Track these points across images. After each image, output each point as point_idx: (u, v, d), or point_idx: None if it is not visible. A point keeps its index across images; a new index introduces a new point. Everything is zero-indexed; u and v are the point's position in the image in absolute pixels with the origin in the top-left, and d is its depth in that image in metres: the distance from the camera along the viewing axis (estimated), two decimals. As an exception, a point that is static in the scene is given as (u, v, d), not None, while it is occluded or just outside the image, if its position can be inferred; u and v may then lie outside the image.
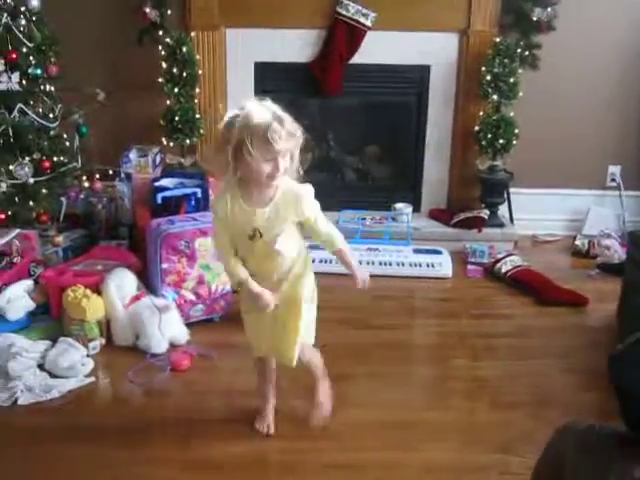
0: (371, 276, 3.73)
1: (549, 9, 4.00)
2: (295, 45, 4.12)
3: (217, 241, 2.32)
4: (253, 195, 2.21)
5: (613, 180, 4.46)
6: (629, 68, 4.27)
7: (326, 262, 3.81)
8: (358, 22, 3.99)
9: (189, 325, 3.12)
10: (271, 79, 4.21)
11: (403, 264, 3.83)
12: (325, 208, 4.25)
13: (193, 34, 4.02)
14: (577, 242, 4.18)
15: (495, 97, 3.98)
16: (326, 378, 2.54)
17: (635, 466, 1.14)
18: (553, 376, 2.90)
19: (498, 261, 3.83)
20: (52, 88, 3.53)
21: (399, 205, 4.26)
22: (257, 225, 2.21)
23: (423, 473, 2.30)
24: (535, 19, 4.00)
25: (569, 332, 3.26)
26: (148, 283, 3.17)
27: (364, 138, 4.54)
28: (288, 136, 2.15)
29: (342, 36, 4.01)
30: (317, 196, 4.39)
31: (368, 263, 3.81)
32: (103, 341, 3.00)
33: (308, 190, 2.37)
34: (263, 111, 2.12)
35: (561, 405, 2.66)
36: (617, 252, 3.91)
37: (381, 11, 3.99)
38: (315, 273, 3.72)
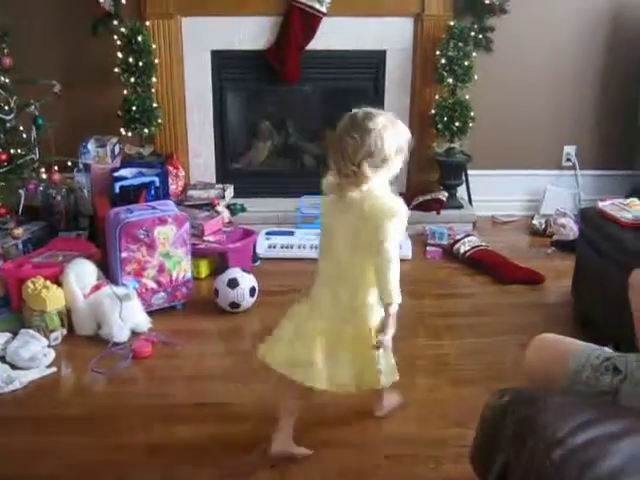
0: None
1: (502, -8, 4.07)
2: (251, 33, 4.13)
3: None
4: None
5: (569, 160, 4.55)
6: (583, 50, 4.36)
7: (287, 248, 3.86)
8: (313, 8, 4.02)
9: (151, 313, 3.13)
10: (228, 67, 4.23)
11: (363, 247, 3.86)
12: (285, 194, 4.35)
13: (148, 23, 4.01)
14: (534, 221, 4.27)
15: (450, 80, 4.03)
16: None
17: (558, 425, 1.19)
18: (511, 352, 2.96)
19: (457, 242, 3.89)
20: (7, 80, 3.50)
21: (360, 190, 4.29)
22: None
23: (383, 448, 2.35)
24: (488, 2, 4.06)
25: (526, 309, 3.33)
26: (109, 272, 3.17)
27: (323, 124, 4.56)
28: None
29: (298, 23, 4.03)
30: (277, 182, 4.46)
31: (329, 247, 3.84)
32: (64, 331, 3.00)
33: None
34: None
35: (516, 379, 2.71)
36: (572, 230, 4.00)
37: (336, -3, 4.02)
38: (275, 259, 3.80)
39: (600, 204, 3.05)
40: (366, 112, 2.11)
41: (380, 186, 2.14)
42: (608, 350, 1.83)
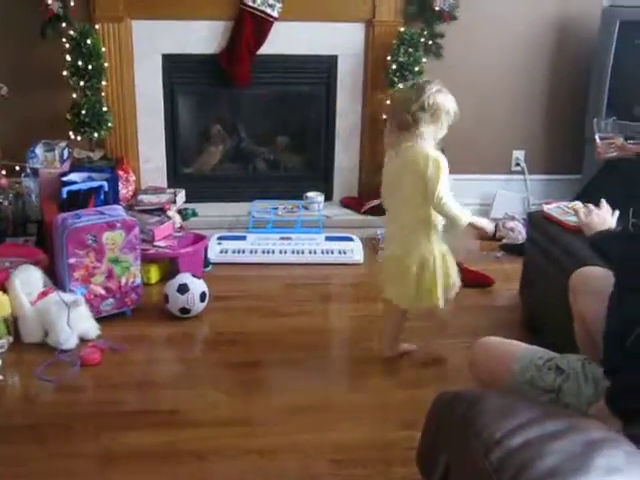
0: (284, 265, 3.83)
1: (451, -1, 4.12)
2: (203, 37, 4.11)
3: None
4: None
5: (518, 165, 4.62)
6: (531, 56, 4.44)
7: (239, 252, 3.85)
8: (264, 13, 4.01)
9: (100, 319, 3.09)
10: (180, 71, 4.20)
11: (315, 252, 3.88)
12: (237, 198, 4.35)
13: (98, 26, 3.96)
14: (484, 225, 4.31)
15: (401, 86, 4.04)
16: None
17: (496, 426, 1.21)
18: (461, 354, 2.99)
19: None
20: (-50, 83, 3.44)
21: (311, 194, 4.31)
22: None
23: (331, 453, 2.35)
24: (437, 9, 4.11)
25: (476, 312, 3.37)
26: (56, 279, 3.13)
27: (275, 129, 4.57)
28: None
29: (249, 27, 4.03)
30: (229, 187, 4.46)
31: (281, 252, 3.85)
32: (11, 339, 2.95)
33: None
34: None
35: (467, 381, 2.75)
36: (521, 233, 4.06)
37: (287, 2, 4.02)
38: (227, 263, 3.80)
39: (546, 207, 3.10)
40: (424, 79, 2.71)
41: (429, 143, 2.61)
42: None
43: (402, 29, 4.06)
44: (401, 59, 4.02)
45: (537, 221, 3.12)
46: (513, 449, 1.18)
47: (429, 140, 2.61)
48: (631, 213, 1.75)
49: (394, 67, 4.05)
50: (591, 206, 2.80)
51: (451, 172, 4.54)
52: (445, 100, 2.59)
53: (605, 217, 2.72)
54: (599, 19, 4.10)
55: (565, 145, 4.57)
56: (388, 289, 2.84)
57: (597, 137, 3.08)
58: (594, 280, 2.21)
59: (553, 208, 3.06)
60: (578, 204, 2.92)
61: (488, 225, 2.81)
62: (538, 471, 1.14)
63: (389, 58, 4.07)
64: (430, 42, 4.17)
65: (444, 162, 2.61)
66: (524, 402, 1.43)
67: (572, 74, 4.46)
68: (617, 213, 2.73)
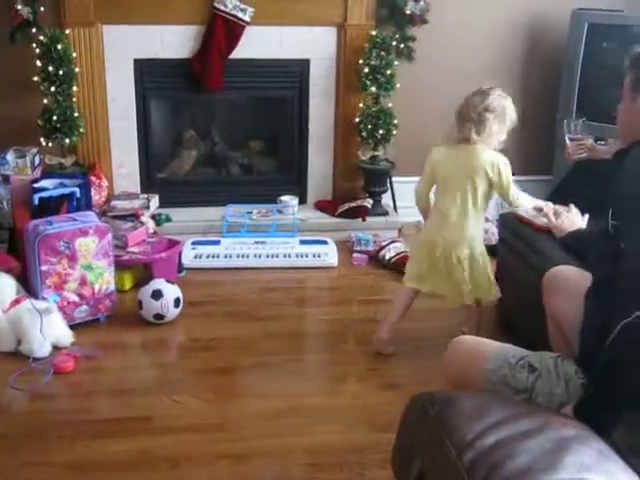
0: (258, 269, 3.83)
1: (422, 2, 4.16)
2: (175, 41, 4.10)
3: None
4: None
5: (490, 166, 4.64)
6: (502, 58, 4.48)
7: (213, 257, 3.84)
8: (236, 17, 4.01)
9: (74, 327, 3.08)
10: (152, 76, 4.18)
11: (290, 255, 3.88)
12: (211, 203, 4.33)
13: (68, 31, 3.93)
14: (458, 227, 4.34)
15: (373, 89, 4.08)
16: None
17: (468, 427, 1.22)
18: (435, 356, 3.00)
19: (382, 248, 3.94)
20: None
21: (285, 198, 4.31)
22: None
23: (307, 457, 2.35)
24: (408, 12, 4.13)
25: (451, 313, 3.38)
26: (29, 286, 3.10)
27: (248, 133, 4.57)
28: None
29: (221, 31, 4.02)
30: (202, 191, 4.45)
31: (255, 256, 3.85)
32: (-17, 348, 2.92)
33: None
34: None
35: (442, 382, 2.76)
36: (494, 235, 4.07)
37: (259, 6, 4.01)
38: (202, 268, 3.79)
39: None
40: (490, 86, 2.82)
41: (492, 144, 2.79)
42: None
43: (374, 32, 4.08)
44: (373, 62, 4.04)
45: (508, 222, 3.14)
46: (485, 449, 1.19)
47: (493, 142, 2.79)
48: (610, 214, 1.77)
49: (366, 70, 4.06)
50: (560, 208, 2.85)
51: (420, 175, 4.61)
52: (508, 105, 2.79)
53: (574, 219, 2.77)
54: (568, 22, 4.15)
55: (536, 146, 4.61)
56: (429, 278, 2.95)
57: (567, 138, 3.11)
58: (566, 279, 2.24)
59: (524, 209, 3.08)
60: (549, 205, 2.96)
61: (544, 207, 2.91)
62: (510, 470, 1.15)
63: (361, 61, 4.09)
64: (402, 45, 4.19)
65: (508, 163, 2.82)
66: (496, 402, 1.44)
67: (542, 76, 4.50)
68: (587, 217, 2.77)
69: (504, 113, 2.77)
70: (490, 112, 2.74)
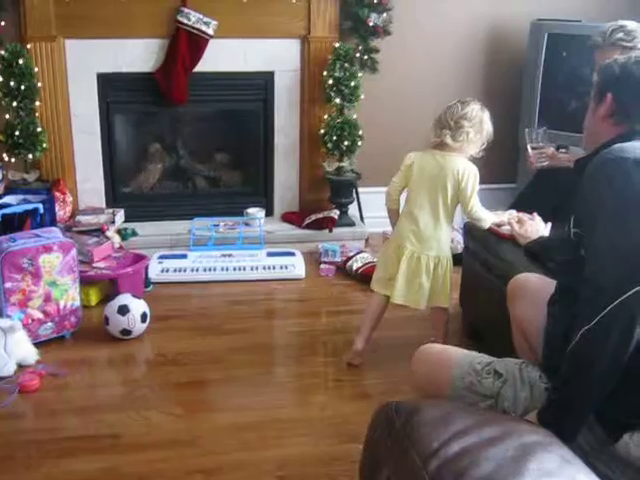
0: (226, 282, 3.81)
1: (384, 14, 4.18)
2: (138, 55, 4.09)
3: None
4: None
5: (455, 174, 4.69)
6: (464, 68, 4.54)
7: (180, 271, 3.83)
8: (200, 30, 4.01)
9: (39, 344, 3.04)
10: (116, 90, 4.16)
11: (257, 268, 3.88)
12: (177, 217, 4.32)
13: (30, 46, 3.90)
14: (424, 236, 4.37)
15: (338, 100, 4.11)
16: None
17: (433, 436, 1.23)
18: (404, 365, 3.01)
19: (350, 259, 3.95)
20: None
21: (251, 210, 4.31)
22: None
23: (277, 469, 2.34)
24: (371, 24, 4.16)
25: (418, 322, 3.39)
26: (-8, 304, 3.06)
27: (213, 146, 4.57)
28: None
29: (184, 45, 4.02)
30: (168, 205, 4.43)
31: (222, 269, 3.84)
32: (-55, 368, 2.87)
33: None
34: None
35: (410, 392, 2.77)
36: (460, 243, 4.11)
37: (222, 19, 4.02)
38: (169, 282, 3.77)
39: (481, 217, 3.16)
40: (471, 98, 2.90)
41: (467, 153, 2.86)
42: None
43: (337, 45, 4.11)
44: (337, 74, 4.07)
45: (473, 230, 3.17)
46: (450, 458, 1.20)
47: (467, 150, 2.85)
48: (572, 222, 1.80)
49: (330, 82, 4.08)
50: (524, 217, 2.89)
51: (386, 185, 4.65)
52: (486, 118, 2.85)
53: (537, 227, 2.81)
54: (527, 32, 4.21)
55: (500, 155, 4.64)
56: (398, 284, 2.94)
57: (529, 147, 3.16)
58: (530, 286, 2.27)
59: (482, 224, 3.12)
60: (512, 213, 3.00)
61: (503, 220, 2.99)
62: (474, 478, 1.15)
63: (325, 73, 4.11)
64: (365, 57, 4.22)
65: (478, 175, 2.88)
66: (461, 410, 1.45)
67: (504, 86, 4.57)
68: (549, 224, 2.82)
69: (481, 124, 2.83)
70: (467, 120, 2.79)
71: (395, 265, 2.94)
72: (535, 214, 2.90)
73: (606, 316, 1.53)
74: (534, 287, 2.25)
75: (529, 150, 3.15)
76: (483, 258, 3.03)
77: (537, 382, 1.83)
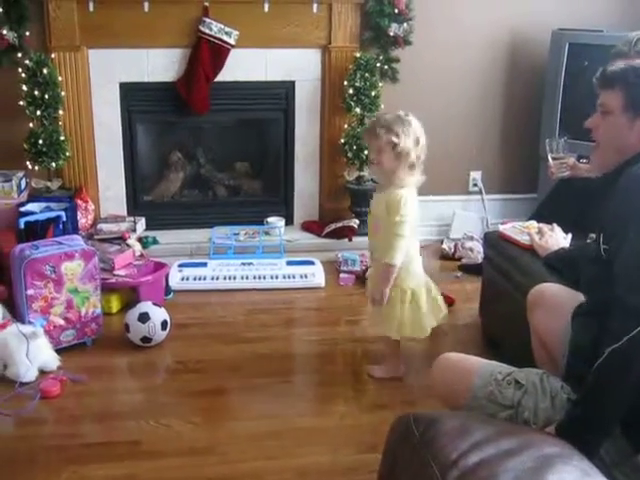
0: (245, 290, 3.82)
1: (405, 25, 4.18)
2: (161, 65, 4.12)
3: None
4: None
5: (475, 185, 4.69)
6: (485, 78, 4.53)
7: (200, 279, 3.84)
8: (221, 40, 4.04)
9: (60, 350, 3.06)
10: (138, 99, 4.20)
11: (277, 277, 3.89)
12: (197, 225, 4.34)
13: (54, 55, 3.95)
14: (444, 245, 4.37)
15: (358, 110, 4.11)
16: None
17: (452, 446, 1.22)
18: (423, 375, 3.01)
19: (369, 268, 3.94)
20: None
21: (271, 219, 4.32)
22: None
23: (295, 478, 2.35)
24: (392, 34, 4.17)
25: (437, 332, 3.36)
26: (15, 310, 3.09)
27: (234, 154, 4.59)
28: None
29: (206, 55, 4.05)
30: (189, 213, 4.45)
31: (242, 278, 3.85)
32: (-32, 373, 2.91)
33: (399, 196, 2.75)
34: None
35: (430, 402, 2.77)
36: (480, 253, 4.11)
37: (244, 29, 4.05)
38: (189, 291, 3.78)
39: (501, 227, 3.16)
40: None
41: (399, 179, 2.77)
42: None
43: (358, 54, 4.12)
44: (358, 84, 4.08)
45: (493, 241, 3.17)
46: (469, 469, 1.19)
47: (398, 176, 2.77)
48: (602, 238, 1.78)
49: (351, 92, 4.10)
50: (544, 228, 2.88)
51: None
52: (407, 139, 2.78)
53: (557, 238, 2.80)
54: (549, 42, 4.20)
55: (520, 165, 4.66)
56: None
57: (549, 157, 3.14)
58: (551, 296, 2.26)
59: (508, 228, 3.11)
60: (532, 224, 2.99)
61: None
62: (493, 489, 1.16)
63: (346, 83, 4.12)
64: (386, 67, 4.23)
65: (409, 201, 2.75)
66: (480, 421, 1.44)
67: (525, 95, 4.56)
68: (570, 236, 2.80)
69: (404, 150, 2.80)
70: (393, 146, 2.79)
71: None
72: (555, 225, 2.88)
73: (635, 337, 1.52)
74: (554, 297, 2.24)
75: (550, 160, 3.14)
76: (503, 268, 3.02)
77: (559, 392, 1.82)
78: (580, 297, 2.02)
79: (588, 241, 2.66)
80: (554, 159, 3.14)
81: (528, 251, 2.88)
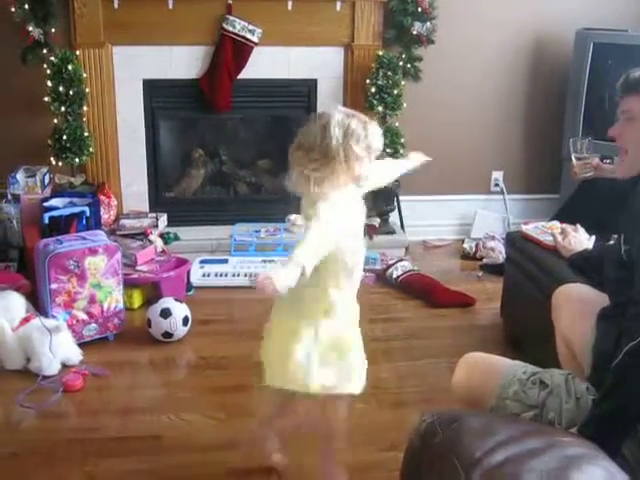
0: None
1: (428, 23, 4.17)
2: (183, 62, 4.14)
3: None
4: None
5: (497, 185, 4.67)
6: (508, 77, 4.51)
7: (221, 276, 3.86)
8: (245, 38, 4.05)
9: (83, 345, 3.09)
10: (161, 96, 4.22)
11: (297, 274, 3.88)
12: (219, 222, 4.35)
13: (79, 52, 3.98)
14: (465, 245, 4.36)
15: (380, 108, 4.11)
16: None
17: (476, 445, 1.22)
18: (444, 374, 3.00)
19: (390, 267, 3.94)
20: None
21: (293, 216, 4.32)
22: None
23: (317, 475, 2.35)
24: (415, 33, 4.16)
25: (458, 331, 3.39)
26: (39, 305, 3.12)
27: (256, 152, 4.60)
28: None
29: (229, 52, 4.06)
30: (211, 210, 4.45)
31: (263, 275, 3.85)
32: (-8, 366, 2.94)
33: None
34: None
35: (450, 401, 2.76)
36: (501, 253, 4.09)
37: (267, 27, 4.06)
38: (210, 287, 3.79)
39: (523, 227, 3.15)
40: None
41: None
42: None
43: (381, 53, 4.12)
44: (380, 82, 4.08)
45: (516, 241, 3.16)
46: (493, 467, 1.19)
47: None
48: (622, 239, 1.78)
49: (373, 90, 4.09)
50: (568, 228, 2.86)
51: (432, 193, 4.62)
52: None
53: (581, 240, 2.78)
54: (573, 41, 4.18)
55: (543, 165, 4.64)
56: None
57: (573, 157, 3.12)
58: (576, 297, 2.25)
59: (531, 228, 3.10)
60: (555, 224, 2.97)
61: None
62: (517, 489, 1.15)
63: (368, 81, 4.12)
64: (408, 65, 4.22)
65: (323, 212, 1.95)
66: (503, 420, 1.45)
67: (549, 95, 4.53)
68: (593, 237, 2.78)
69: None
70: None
71: None
72: (578, 226, 2.86)
73: None
74: (579, 298, 2.23)
75: (573, 160, 3.12)
76: (526, 269, 3.01)
77: (584, 394, 1.81)
78: (607, 298, 2.01)
79: (611, 242, 2.64)
80: (578, 159, 3.11)
81: (551, 252, 2.87)
